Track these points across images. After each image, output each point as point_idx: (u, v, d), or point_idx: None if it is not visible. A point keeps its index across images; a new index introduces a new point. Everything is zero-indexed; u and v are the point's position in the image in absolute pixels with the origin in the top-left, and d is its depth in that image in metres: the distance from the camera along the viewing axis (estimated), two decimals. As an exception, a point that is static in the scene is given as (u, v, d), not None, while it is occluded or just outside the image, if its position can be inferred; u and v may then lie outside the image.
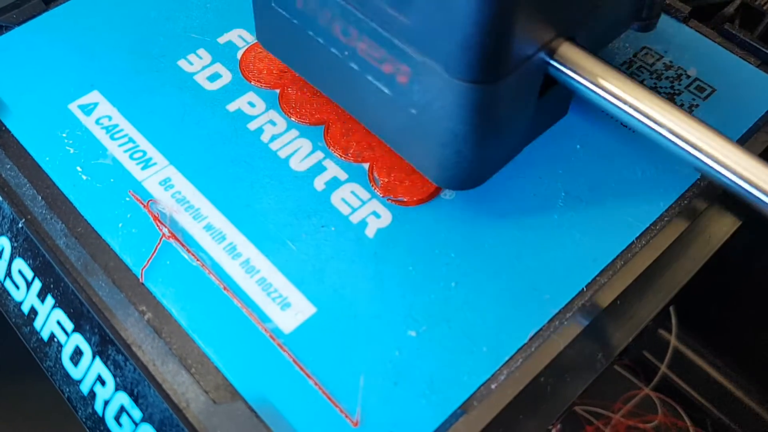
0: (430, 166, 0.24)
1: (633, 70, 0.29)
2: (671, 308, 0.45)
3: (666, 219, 0.25)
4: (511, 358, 0.22)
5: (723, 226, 0.26)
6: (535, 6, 0.20)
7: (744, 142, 0.27)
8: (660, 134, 0.21)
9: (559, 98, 0.25)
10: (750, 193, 0.20)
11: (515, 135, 0.24)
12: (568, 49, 0.22)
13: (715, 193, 0.26)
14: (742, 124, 0.27)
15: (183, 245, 0.24)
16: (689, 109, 0.28)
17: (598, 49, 0.24)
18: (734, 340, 0.45)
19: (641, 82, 0.22)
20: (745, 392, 0.44)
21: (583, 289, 0.23)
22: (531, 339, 0.22)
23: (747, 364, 0.44)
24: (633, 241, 0.24)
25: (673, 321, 0.45)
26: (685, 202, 0.25)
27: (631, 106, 0.22)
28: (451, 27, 0.19)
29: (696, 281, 0.26)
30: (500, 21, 0.19)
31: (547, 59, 0.22)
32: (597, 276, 0.24)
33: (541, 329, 0.23)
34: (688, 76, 0.29)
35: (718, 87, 0.28)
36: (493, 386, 0.22)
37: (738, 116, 0.28)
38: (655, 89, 0.28)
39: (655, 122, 0.21)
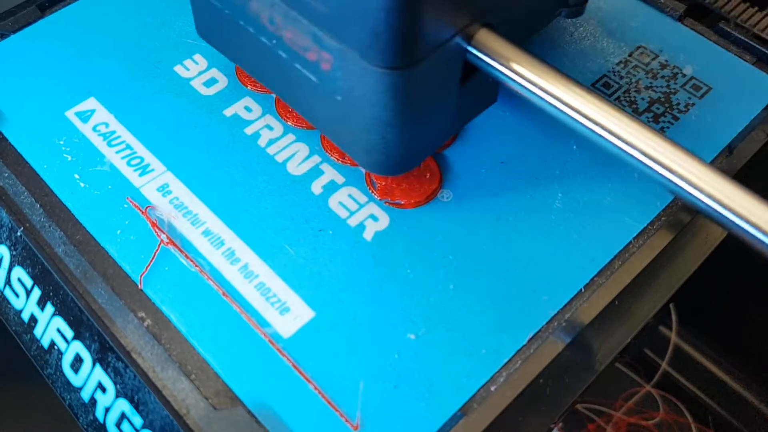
0: (359, 152, 0.24)
1: (629, 69, 0.29)
2: (671, 305, 0.45)
3: (663, 219, 0.25)
4: (510, 360, 0.22)
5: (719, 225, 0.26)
6: None
7: (741, 139, 0.27)
8: (575, 120, 0.21)
9: (483, 85, 0.25)
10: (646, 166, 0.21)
11: (440, 121, 0.24)
12: (484, 36, 0.22)
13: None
14: (739, 122, 0.27)
15: (181, 251, 0.24)
16: (685, 108, 0.28)
17: (525, 36, 0.24)
18: (735, 336, 0.45)
19: (558, 69, 0.22)
20: (746, 388, 0.44)
21: (581, 289, 0.23)
22: (530, 341, 0.23)
23: (748, 360, 0.44)
24: (630, 241, 0.24)
25: (674, 318, 0.45)
26: (681, 203, 0.25)
27: (545, 91, 0.22)
28: (362, 13, 0.19)
29: (695, 278, 0.26)
30: (408, 6, 0.19)
31: (465, 45, 0.22)
32: (595, 276, 0.24)
33: (539, 331, 0.23)
34: (684, 75, 0.29)
35: (714, 85, 0.28)
36: (492, 388, 0.22)
37: (734, 114, 0.28)
38: (650, 88, 0.28)
39: (570, 107, 0.21)
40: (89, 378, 0.23)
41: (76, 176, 0.26)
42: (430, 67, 0.21)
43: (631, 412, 0.44)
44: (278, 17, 0.22)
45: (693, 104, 0.28)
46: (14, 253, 0.25)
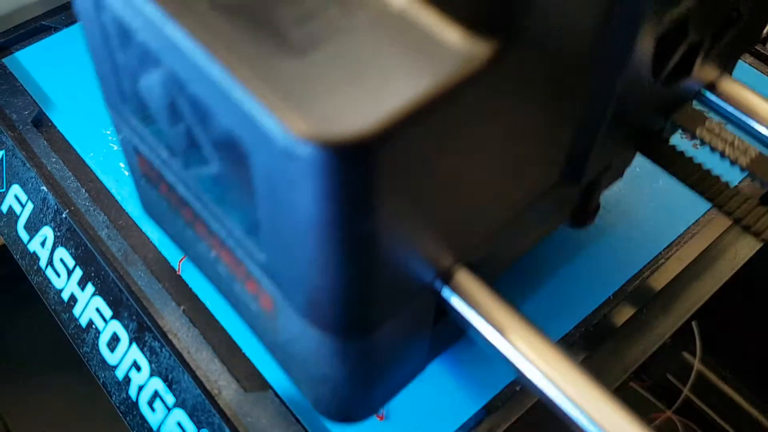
0: (308, 393, 0.19)
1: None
2: (696, 332, 0.45)
3: (693, 232, 0.25)
4: (536, 361, 0.22)
5: (748, 243, 0.26)
6: (403, 257, 0.15)
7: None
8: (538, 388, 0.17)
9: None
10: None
11: (406, 365, 0.20)
12: (463, 279, 0.18)
13: (742, 209, 0.26)
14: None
15: (219, 240, 0.24)
16: None
17: (514, 258, 0.21)
18: (759, 364, 0.45)
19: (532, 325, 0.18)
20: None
21: (609, 297, 0.24)
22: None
23: (771, 389, 0.44)
24: (660, 252, 0.25)
25: (698, 344, 0.45)
26: (712, 217, 0.26)
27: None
28: (304, 277, 0.15)
29: (722, 304, 0.26)
30: (359, 284, 0.14)
31: (438, 289, 0.17)
32: (624, 285, 0.24)
33: (567, 334, 0.23)
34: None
35: None
36: (517, 388, 0.22)
37: None
38: None
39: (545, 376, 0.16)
40: (125, 356, 0.23)
41: (121, 165, 0.27)
42: (392, 328, 0.17)
43: (651, 436, 0.43)
44: (214, 237, 0.17)
45: None
46: (58, 234, 0.26)
